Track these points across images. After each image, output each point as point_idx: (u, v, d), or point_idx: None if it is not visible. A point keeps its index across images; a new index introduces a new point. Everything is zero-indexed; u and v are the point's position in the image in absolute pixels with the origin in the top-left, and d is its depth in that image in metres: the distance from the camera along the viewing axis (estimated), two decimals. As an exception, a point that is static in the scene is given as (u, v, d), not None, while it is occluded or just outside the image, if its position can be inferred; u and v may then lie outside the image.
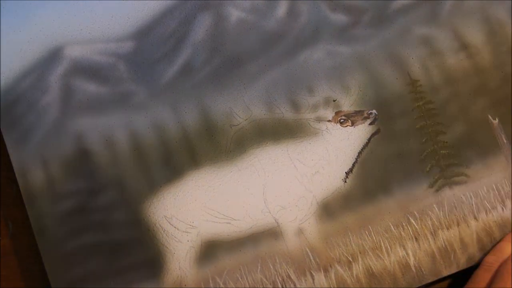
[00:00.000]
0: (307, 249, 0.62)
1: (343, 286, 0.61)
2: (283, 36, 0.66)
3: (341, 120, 0.64)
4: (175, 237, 0.62)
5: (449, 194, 0.64)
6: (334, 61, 0.65)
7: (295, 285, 0.61)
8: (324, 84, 0.65)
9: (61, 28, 0.64)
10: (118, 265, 0.61)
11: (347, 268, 0.62)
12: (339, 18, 0.66)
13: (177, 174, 0.63)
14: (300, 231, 0.63)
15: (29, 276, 0.64)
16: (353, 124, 0.64)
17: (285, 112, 0.64)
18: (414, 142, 0.64)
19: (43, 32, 0.64)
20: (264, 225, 0.63)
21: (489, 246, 0.62)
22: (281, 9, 0.66)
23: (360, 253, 0.62)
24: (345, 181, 0.63)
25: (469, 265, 0.62)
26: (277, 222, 0.63)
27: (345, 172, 0.64)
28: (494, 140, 0.65)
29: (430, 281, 0.62)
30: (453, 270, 0.62)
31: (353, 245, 0.62)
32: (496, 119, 0.65)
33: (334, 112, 0.64)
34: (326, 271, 0.62)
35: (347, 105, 0.65)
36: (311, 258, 0.62)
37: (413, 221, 0.63)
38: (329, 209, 0.63)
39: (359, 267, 0.62)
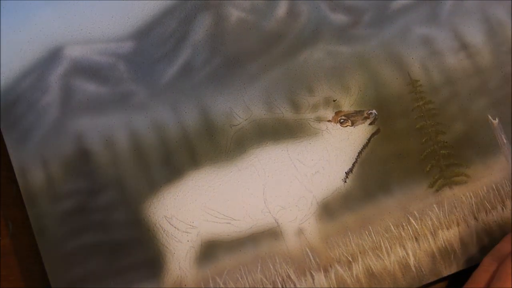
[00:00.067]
0: (307, 249, 0.62)
1: (343, 286, 0.61)
2: (283, 36, 0.66)
3: (341, 120, 0.64)
4: (175, 237, 0.62)
5: (449, 194, 0.64)
6: (334, 61, 0.65)
7: (295, 285, 0.61)
8: (324, 84, 0.65)
9: (61, 28, 0.64)
10: (118, 265, 0.61)
11: (347, 268, 0.62)
12: (339, 18, 0.66)
13: (177, 174, 0.63)
14: (300, 231, 0.63)
15: (29, 276, 0.64)
16: (353, 124, 0.64)
17: (285, 112, 0.64)
18: (414, 142, 0.64)
19: (43, 32, 0.64)
20: (264, 225, 0.63)
21: (489, 246, 0.62)
22: (281, 9, 0.66)
23: (360, 253, 0.62)
24: (345, 181, 0.63)
25: (469, 265, 0.62)
26: (277, 222, 0.63)
27: (345, 172, 0.64)
28: (494, 140, 0.65)
29: (430, 281, 0.62)
30: (453, 270, 0.62)
31: (353, 245, 0.62)
32: (496, 119, 0.65)
33: (334, 112, 0.64)
34: (326, 271, 0.62)
35: (347, 105, 0.65)
36: (311, 258, 0.62)
37: (413, 221, 0.63)
38: (329, 209, 0.63)
39: (359, 267, 0.62)
